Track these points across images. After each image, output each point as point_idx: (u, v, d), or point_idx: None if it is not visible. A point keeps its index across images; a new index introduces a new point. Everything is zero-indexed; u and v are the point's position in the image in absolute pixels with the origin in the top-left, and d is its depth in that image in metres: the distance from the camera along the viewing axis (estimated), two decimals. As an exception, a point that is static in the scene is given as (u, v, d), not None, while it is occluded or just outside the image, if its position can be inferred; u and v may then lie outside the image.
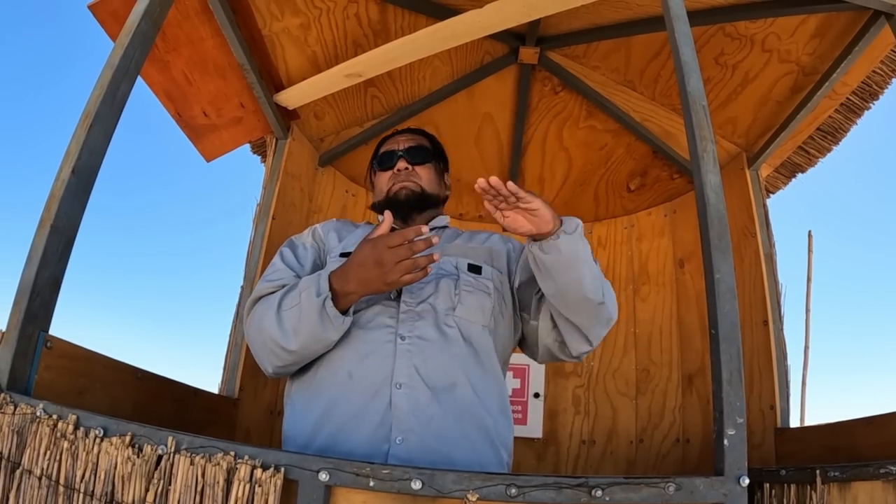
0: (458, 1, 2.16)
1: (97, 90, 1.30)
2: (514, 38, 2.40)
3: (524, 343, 1.52)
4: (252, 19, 2.02)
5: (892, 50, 1.96)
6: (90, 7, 1.68)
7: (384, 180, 1.62)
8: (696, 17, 2.05)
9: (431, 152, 1.67)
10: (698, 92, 1.21)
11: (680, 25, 1.30)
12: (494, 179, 1.18)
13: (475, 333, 1.37)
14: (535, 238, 1.27)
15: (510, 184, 1.19)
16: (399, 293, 1.38)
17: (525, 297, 1.47)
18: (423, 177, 1.61)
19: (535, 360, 1.51)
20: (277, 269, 1.45)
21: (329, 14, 2.14)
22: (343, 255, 1.46)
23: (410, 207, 1.57)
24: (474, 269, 1.46)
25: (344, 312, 1.26)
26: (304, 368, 1.37)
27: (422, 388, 1.26)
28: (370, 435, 1.22)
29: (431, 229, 1.60)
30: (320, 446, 1.25)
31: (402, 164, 1.60)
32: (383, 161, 1.64)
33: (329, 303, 1.23)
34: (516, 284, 1.49)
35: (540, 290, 1.39)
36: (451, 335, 1.34)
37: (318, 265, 1.51)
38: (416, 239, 1.20)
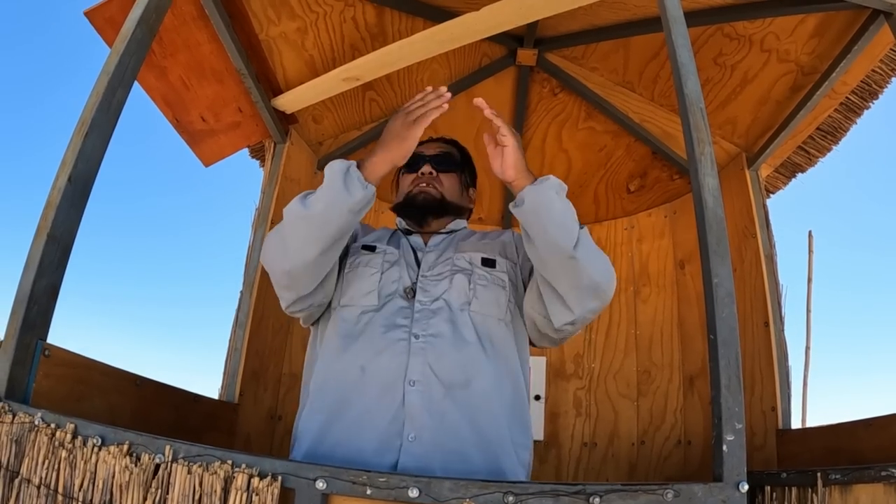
0: (456, 4, 2.15)
1: (93, 97, 1.30)
2: (513, 39, 2.40)
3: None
4: (249, 24, 2.02)
5: (891, 49, 1.96)
6: (86, 13, 1.67)
7: (408, 182, 1.62)
8: (695, 17, 2.04)
9: (458, 162, 1.67)
10: (696, 94, 1.20)
11: (677, 27, 1.29)
12: (479, 100, 1.30)
13: (491, 328, 1.37)
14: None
15: (488, 110, 1.30)
16: (414, 293, 1.40)
17: (524, 284, 1.48)
18: (446, 184, 1.61)
19: (532, 344, 1.51)
20: None
21: (326, 18, 2.14)
22: (365, 247, 1.50)
23: (426, 212, 1.57)
24: (488, 262, 1.47)
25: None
26: (318, 364, 1.39)
27: (436, 386, 1.27)
28: (382, 431, 1.23)
29: (449, 232, 1.60)
30: (333, 442, 1.26)
31: (426, 169, 1.60)
32: (410, 163, 1.61)
33: (353, 168, 1.28)
34: (524, 276, 1.49)
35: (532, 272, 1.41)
36: (466, 331, 1.34)
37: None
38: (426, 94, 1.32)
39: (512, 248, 1.54)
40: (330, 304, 1.46)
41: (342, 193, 1.25)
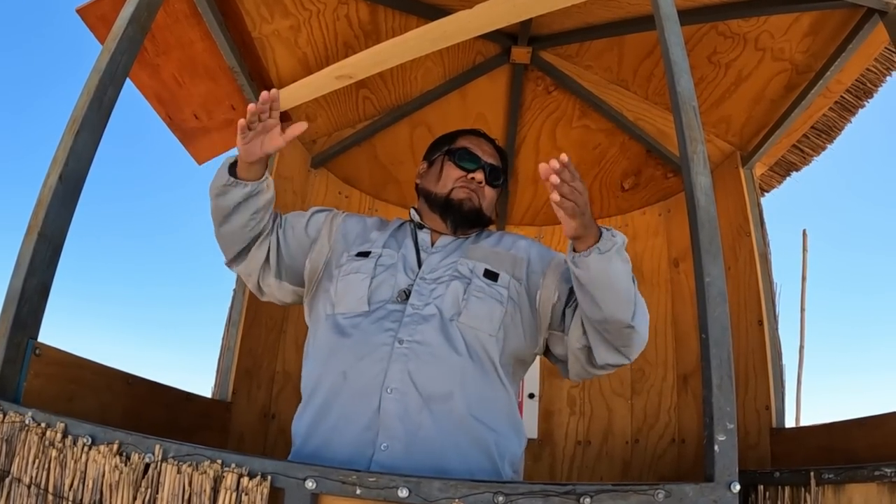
0: (449, 1, 2.15)
1: (84, 95, 1.30)
2: (506, 37, 2.39)
3: (553, 357, 1.49)
4: (241, 22, 2.01)
5: (885, 48, 1.96)
6: (79, 11, 1.67)
7: (453, 176, 1.57)
8: (689, 15, 2.04)
9: (503, 181, 1.66)
10: (688, 92, 1.20)
11: (670, 25, 1.29)
12: (564, 157, 1.16)
13: (481, 342, 1.33)
14: (575, 248, 1.26)
15: (556, 162, 1.14)
16: (408, 295, 1.37)
17: (561, 311, 1.43)
18: (488, 198, 1.59)
19: (565, 375, 1.47)
20: (296, 215, 1.61)
21: (319, 16, 2.13)
22: (360, 254, 1.47)
23: (463, 219, 1.54)
24: (490, 275, 1.42)
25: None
26: (308, 367, 1.39)
27: (413, 395, 1.24)
28: (356, 438, 1.22)
29: (467, 235, 1.58)
30: (315, 445, 1.26)
31: (480, 176, 1.56)
32: (467, 159, 1.58)
33: (223, 167, 1.44)
34: (555, 299, 1.43)
35: (574, 301, 1.38)
36: (455, 342, 1.31)
37: (296, 245, 1.55)
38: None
39: (522, 267, 1.48)
40: (319, 307, 1.45)
41: (219, 183, 1.42)
